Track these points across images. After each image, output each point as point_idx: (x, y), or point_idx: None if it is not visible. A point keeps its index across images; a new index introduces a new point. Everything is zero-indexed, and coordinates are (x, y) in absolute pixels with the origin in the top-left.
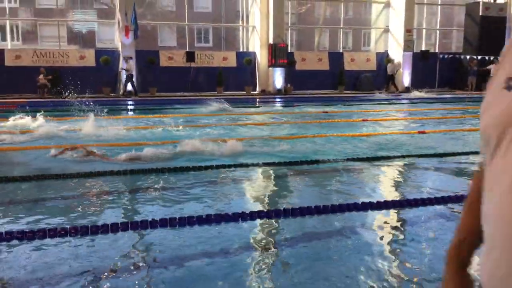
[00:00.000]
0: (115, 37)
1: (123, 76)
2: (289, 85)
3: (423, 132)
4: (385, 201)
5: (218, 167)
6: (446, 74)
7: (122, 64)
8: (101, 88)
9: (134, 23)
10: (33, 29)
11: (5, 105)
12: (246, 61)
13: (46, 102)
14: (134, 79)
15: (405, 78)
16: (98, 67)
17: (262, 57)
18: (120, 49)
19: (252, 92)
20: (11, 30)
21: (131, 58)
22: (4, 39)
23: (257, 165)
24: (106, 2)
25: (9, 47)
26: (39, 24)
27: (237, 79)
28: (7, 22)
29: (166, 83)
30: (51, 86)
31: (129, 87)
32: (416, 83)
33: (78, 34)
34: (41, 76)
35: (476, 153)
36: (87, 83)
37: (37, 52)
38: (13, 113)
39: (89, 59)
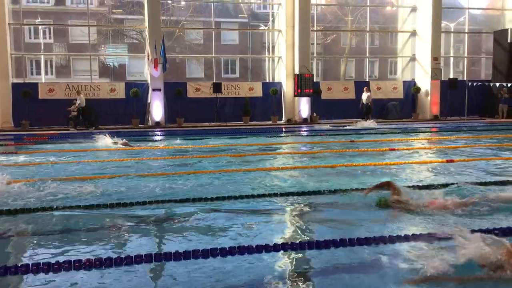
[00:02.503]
0: (144, 70)
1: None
2: (315, 114)
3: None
4: (413, 234)
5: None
6: (476, 102)
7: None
8: (131, 120)
9: (163, 56)
10: (66, 63)
11: (37, 137)
12: (272, 91)
13: (76, 134)
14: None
15: (434, 106)
16: (127, 99)
17: (287, 87)
18: (149, 81)
19: (278, 122)
20: (46, 65)
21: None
22: (38, 73)
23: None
24: (136, 36)
25: (43, 80)
26: (72, 58)
27: (263, 109)
28: (42, 57)
29: (193, 113)
30: (82, 118)
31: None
32: (445, 111)
33: (109, 67)
34: (73, 107)
35: None
36: (117, 114)
37: (70, 86)
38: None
39: (119, 91)
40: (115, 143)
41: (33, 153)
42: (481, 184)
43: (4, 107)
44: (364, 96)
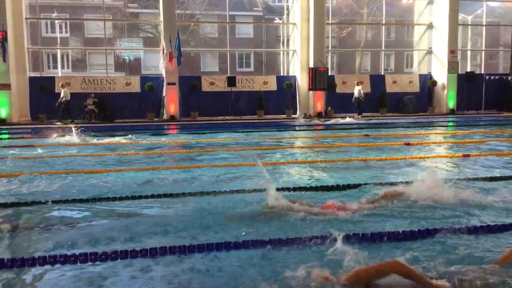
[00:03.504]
0: (159, 63)
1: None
2: (329, 108)
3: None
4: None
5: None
6: (493, 96)
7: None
8: (146, 113)
9: (178, 49)
10: (82, 57)
11: (54, 130)
12: (287, 84)
13: (92, 127)
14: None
15: (450, 100)
16: (143, 93)
17: (302, 81)
18: (164, 75)
19: (292, 116)
20: (62, 59)
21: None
22: (55, 67)
23: None
24: (151, 30)
25: (59, 74)
26: (88, 53)
27: (278, 103)
28: (58, 51)
29: (207, 107)
30: (98, 111)
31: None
32: (462, 105)
33: (125, 61)
34: (89, 101)
35: None
36: (133, 108)
37: (86, 79)
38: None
39: (135, 85)
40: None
41: None
42: (494, 179)
43: (21, 101)
44: (356, 90)
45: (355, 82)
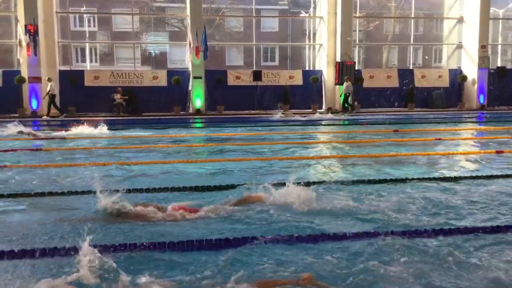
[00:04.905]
0: (185, 57)
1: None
2: (356, 103)
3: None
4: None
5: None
6: None
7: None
8: (172, 107)
9: (204, 43)
10: (109, 51)
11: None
12: (313, 79)
13: (121, 120)
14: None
15: (481, 95)
16: (169, 87)
17: (328, 75)
18: (190, 69)
19: (318, 110)
20: (90, 52)
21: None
22: (83, 60)
23: None
24: (177, 24)
25: (88, 68)
26: (116, 46)
27: (303, 97)
28: (87, 45)
29: (233, 101)
30: (126, 105)
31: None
32: (492, 100)
33: (151, 55)
34: (118, 96)
35: None
36: (159, 102)
37: (114, 73)
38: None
39: (162, 79)
40: (20, 132)
41: None
42: None
43: None
44: (344, 85)
45: (344, 78)
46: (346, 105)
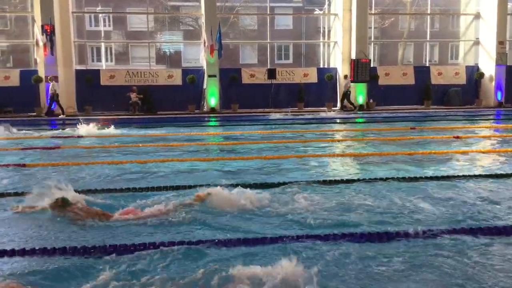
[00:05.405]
0: (200, 56)
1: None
2: (371, 101)
3: None
4: None
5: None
6: None
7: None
8: (187, 105)
9: (218, 42)
10: (124, 50)
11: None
12: (328, 77)
13: (136, 119)
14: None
15: (498, 93)
16: (184, 86)
17: (343, 73)
18: (205, 67)
19: (333, 108)
20: (106, 52)
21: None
22: (99, 60)
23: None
24: (191, 23)
25: (103, 67)
26: (131, 46)
27: (318, 95)
28: (102, 44)
29: (248, 99)
30: (142, 103)
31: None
32: (510, 97)
33: (165, 54)
34: (133, 94)
35: None
36: (174, 100)
37: (129, 72)
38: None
39: (177, 78)
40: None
41: None
42: None
43: (68, 93)
44: (343, 83)
45: (343, 75)
46: (350, 103)
